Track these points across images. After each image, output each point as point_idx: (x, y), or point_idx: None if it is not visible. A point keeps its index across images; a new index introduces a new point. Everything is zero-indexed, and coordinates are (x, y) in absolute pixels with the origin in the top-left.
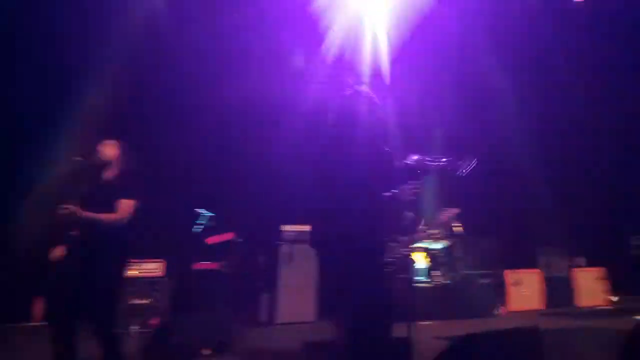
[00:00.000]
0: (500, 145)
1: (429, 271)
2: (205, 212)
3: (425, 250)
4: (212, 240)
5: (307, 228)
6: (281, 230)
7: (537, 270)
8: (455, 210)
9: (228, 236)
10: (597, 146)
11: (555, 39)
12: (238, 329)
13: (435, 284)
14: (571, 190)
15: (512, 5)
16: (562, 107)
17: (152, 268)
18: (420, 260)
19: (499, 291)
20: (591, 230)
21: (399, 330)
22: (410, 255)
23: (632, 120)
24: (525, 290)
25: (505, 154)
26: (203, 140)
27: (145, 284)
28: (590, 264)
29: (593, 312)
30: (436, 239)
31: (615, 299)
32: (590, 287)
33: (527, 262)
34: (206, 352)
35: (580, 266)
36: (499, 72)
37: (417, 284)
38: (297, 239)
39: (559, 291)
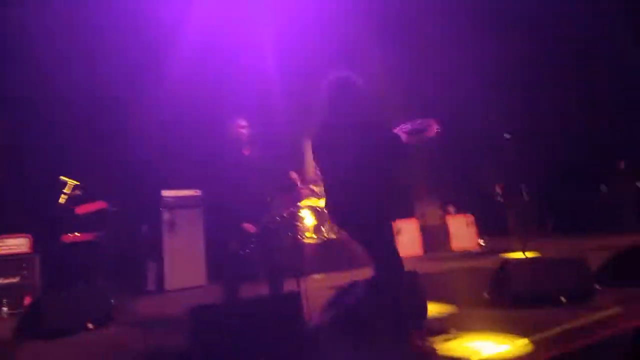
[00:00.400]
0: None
1: (316, 227)
2: (71, 180)
3: (312, 207)
4: (82, 210)
5: (189, 193)
6: (162, 197)
7: (414, 220)
8: None
9: (100, 205)
10: (465, 106)
11: None
12: (123, 299)
13: (323, 239)
14: (441, 147)
15: None
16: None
17: (17, 244)
18: (308, 218)
19: None
20: (460, 182)
21: (289, 284)
22: (296, 213)
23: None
24: (404, 239)
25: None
26: (65, 101)
27: (12, 262)
28: (460, 211)
29: (465, 255)
30: (320, 196)
31: (483, 241)
32: (462, 232)
33: (405, 212)
34: (90, 325)
35: (451, 214)
36: None
37: (306, 240)
38: (180, 204)
39: (434, 238)
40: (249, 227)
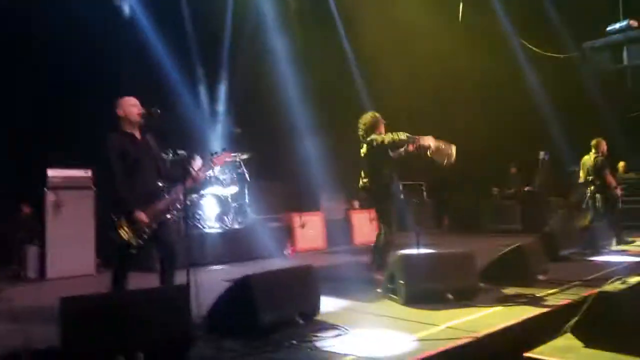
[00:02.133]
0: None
1: (219, 216)
2: None
3: (215, 196)
4: None
5: (78, 173)
6: (47, 176)
7: (319, 213)
8: (243, 155)
9: None
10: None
11: None
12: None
13: (226, 229)
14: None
15: None
16: None
17: None
18: (211, 206)
19: (286, 233)
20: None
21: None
22: (195, 202)
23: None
24: (308, 232)
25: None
26: None
27: None
28: (364, 206)
29: (367, 249)
30: (225, 184)
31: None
32: (365, 227)
33: (311, 206)
34: None
35: (355, 209)
36: None
37: (208, 230)
38: (67, 185)
39: (338, 232)
40: (142, 215)
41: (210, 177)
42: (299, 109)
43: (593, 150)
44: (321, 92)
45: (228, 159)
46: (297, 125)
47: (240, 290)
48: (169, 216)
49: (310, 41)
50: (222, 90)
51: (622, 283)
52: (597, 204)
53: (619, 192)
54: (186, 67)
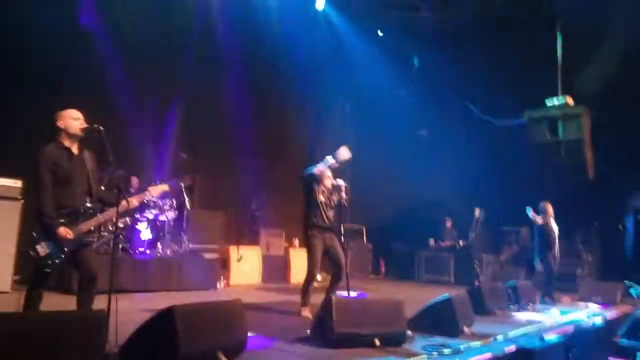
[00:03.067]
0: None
1: (152, 242)
2: None
3: (151, 220)
4: None
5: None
6: None
7: (257, 248)
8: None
9: None
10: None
11: None
12: None
13: (158, 256)
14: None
15: None
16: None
17: None
18: (145, 231)
19: (222, 265)
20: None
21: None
22: (128, 225)
23: None
24: (245, 265)
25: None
26: None
27: None
28: (303, 245)
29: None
30: (163, 210)
31: (320, 277)
32: (302, 265)
33: (250, 240)
34: None
35: (295, 247)
36: None
37: (138, 255)
38: None
39: (275, 268)
40: (65, 232)
41: (148, 201)
42: (249, 140)
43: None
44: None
45: (166, 190)
46: (245, 156)
47: (163, 320)
48: (91, 239)
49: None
50: (172, 114)
51: (540, 340)
52: (535, 264)
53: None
54: (137, 86)
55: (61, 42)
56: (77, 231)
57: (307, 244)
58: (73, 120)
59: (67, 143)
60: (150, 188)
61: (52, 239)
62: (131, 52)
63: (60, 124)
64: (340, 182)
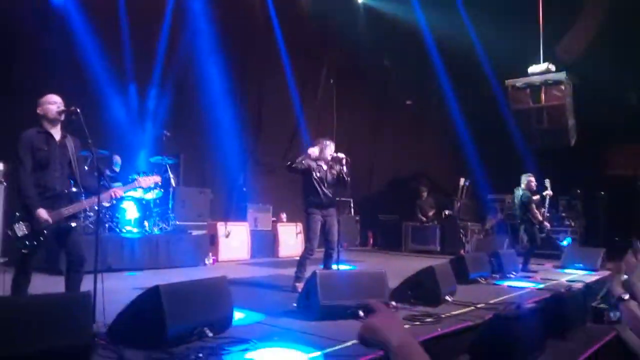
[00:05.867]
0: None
1: (140, 221)
2: None
3: (138, 199)
4: None
5: None
6: None
7: (245, 224)
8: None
9: None
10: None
11: None
12: None
13: (145, 234)
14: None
15: None
16: None
17: None
18: (132, 210)
19: (210, 242)
20: (293, 191)
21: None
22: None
23: None
24: (233, 241)
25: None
26: None
27: None
28: (290, 219)
29: (291, 262)
30: (149, 188)
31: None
32: (290, 240)
33: (238, 216)
34: None
35: (282, 221)
36: None
37: (125, 234)
38: None
39: (263, 243)
40: (44, 215)
41: (132, 179)
42: (234, 116)
43: (522, 185)
44: (258, 102)
45: (156, 181)
46: (230, 133)
47: (149, 299)
48: (74, 224)
49: None
50: (154, 91)
51: (517, 307)
52: (519, 233)
53: (547, 225)
54: (117, 65)
55: (37, 24)
56: (58, 215)
57: (306, 221)
58: (50, 105)
59: (47, 128)
60: (139, 178)
61: (30, 221)
62: (109, 32)
63: (40, 110)
64: (341, 154)
